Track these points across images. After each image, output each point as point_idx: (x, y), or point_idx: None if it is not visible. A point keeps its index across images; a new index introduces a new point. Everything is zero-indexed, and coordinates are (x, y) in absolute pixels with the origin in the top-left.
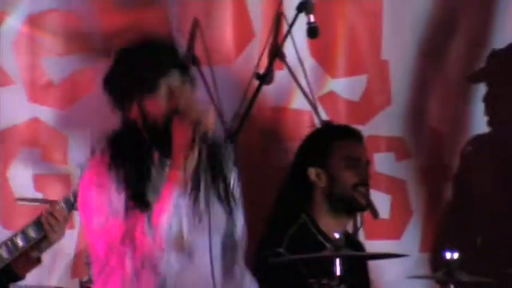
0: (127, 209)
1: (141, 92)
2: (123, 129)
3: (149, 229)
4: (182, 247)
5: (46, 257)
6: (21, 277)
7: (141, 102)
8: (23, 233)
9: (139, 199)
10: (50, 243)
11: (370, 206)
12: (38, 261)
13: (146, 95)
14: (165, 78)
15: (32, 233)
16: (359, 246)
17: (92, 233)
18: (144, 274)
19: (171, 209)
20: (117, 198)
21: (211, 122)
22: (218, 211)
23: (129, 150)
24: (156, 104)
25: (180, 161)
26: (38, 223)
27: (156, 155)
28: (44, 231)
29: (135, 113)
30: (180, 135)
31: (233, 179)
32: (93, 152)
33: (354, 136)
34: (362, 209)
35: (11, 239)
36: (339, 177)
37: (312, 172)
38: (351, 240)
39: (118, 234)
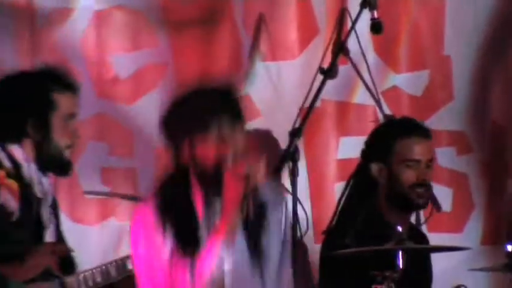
0: (172, 256)
1: (191, 133)
2: (172, 174)
3: (191, 279)
4: None
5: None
6: None
7: (192, 144)
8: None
9: (186, 244)
10: None
11: (432, 201)
12: None
13: (197, 136)
14: (216, 122)
15: None
16: (423, 239)
17: (139, 276)
18: None
19: (215, 261)
20: (163, 245)
21: (261, 175)
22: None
23: (178, 197)
24: (207, 147)
25: (230, 215)
26: None
27: (203, 200)
28: None
29: (186, 155)
30: (232, 190)
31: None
32: (143, 197)
33: (419, 133)
34: (419, 208)
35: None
36: (398, 176)
37: (375, 168)
38: (415, 233)
39: (161, 281)
